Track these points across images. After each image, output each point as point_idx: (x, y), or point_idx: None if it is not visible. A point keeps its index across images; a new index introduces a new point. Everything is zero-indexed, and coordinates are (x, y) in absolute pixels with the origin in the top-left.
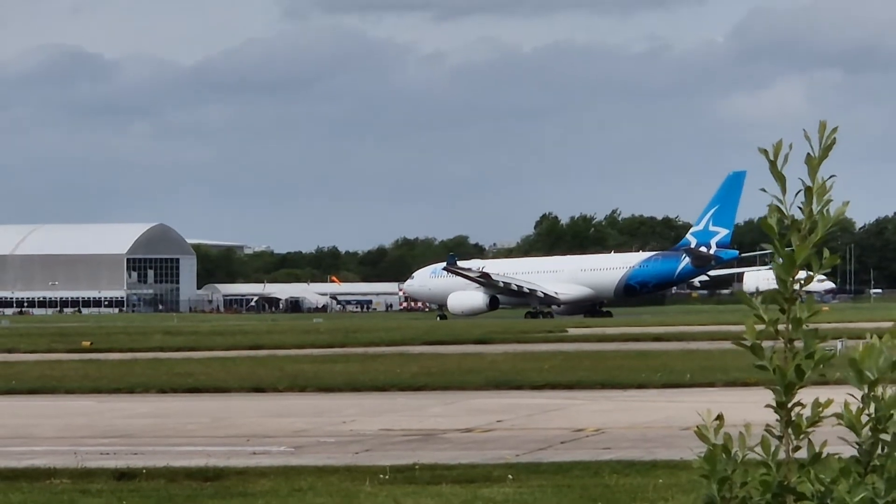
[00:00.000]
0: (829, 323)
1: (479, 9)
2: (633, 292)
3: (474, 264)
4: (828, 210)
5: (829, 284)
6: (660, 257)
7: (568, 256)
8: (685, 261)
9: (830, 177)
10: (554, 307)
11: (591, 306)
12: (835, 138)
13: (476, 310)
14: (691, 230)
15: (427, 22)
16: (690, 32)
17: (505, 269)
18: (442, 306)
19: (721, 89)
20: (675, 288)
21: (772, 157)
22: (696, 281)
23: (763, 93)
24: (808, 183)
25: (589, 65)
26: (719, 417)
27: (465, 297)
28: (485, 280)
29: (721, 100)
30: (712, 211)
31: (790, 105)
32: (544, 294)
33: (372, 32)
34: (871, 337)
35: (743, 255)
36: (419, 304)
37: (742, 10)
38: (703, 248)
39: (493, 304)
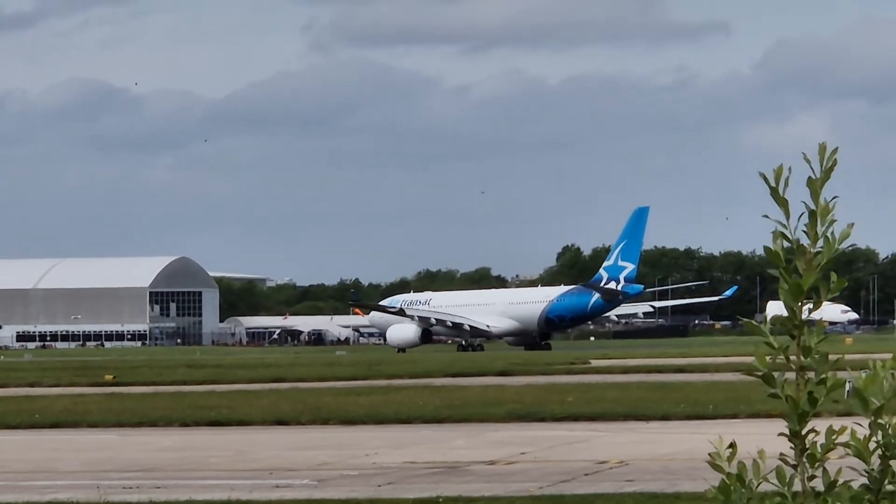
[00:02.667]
0: (852, 354)
1: (505, 42)
2: (554, 325)
3: (421, 297)
4: (832, 233)
5: (852, 315)
6: (575, 292)
7: (499, 290)
8: (595, 296)
9: (833, 198)
10: (506, 339)
11: (532, 339)
12: (836, 160)
13: (409, 342)
14: (604, 265)
15: (453, 55)
16: (715, 64)
17: (446, 302)
18: None
19: (745, 120)
20: (699, 322)
21: (773, 183)
22: (624, 314)
23: (788, 124)
24: (812, 207)
25: (613, 97)
26: (732, 446)
27: (401, 329)
28: (401, 315)
29: (745, 130)
30: (621, 246)
31: (815, 136)
32: (471, 327)
33: (398, 66)
34: (874, 365)
35: (649, 289)
36: (441, 336)
37: (767, 42)
38: (612, 284)
39: (426, 336)
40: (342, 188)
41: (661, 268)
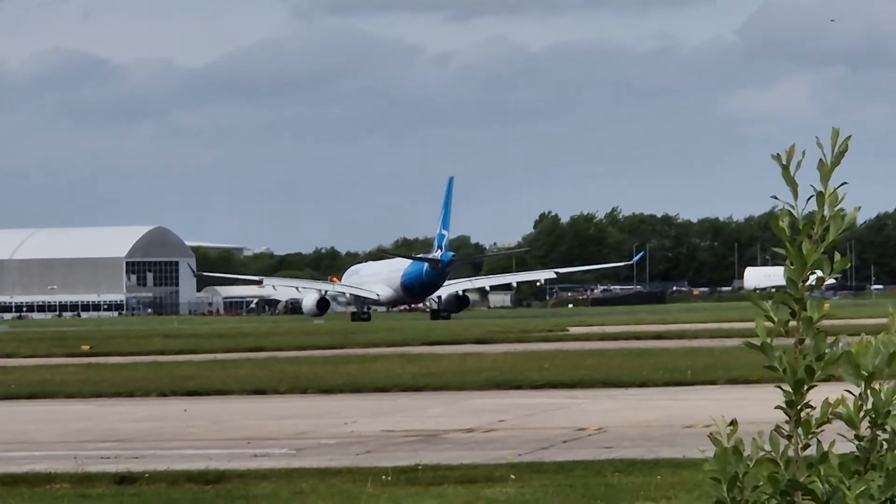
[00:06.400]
0: (831, 319)
1: (488, 10)
2: (410, 292)
3: (355, 268)
4: (841, 214)
5: (830, 281)
6: (416, 262)
7: (390, 260)
8: (426, 265)
9: (842, 184)
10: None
11: (437, 306)
12: (847, 144)
13: (312, 311)
14: (438, 233)
15: (436, 23)
16: (698, 31)
17: (366, 272)
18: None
19: (726, 87)
20: (677, 288)
21: (784, 162)
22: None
23: (768, 90)
24: (820, 188)
25: (596, 64)
26: (733, 423)
27: (308, 299)
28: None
29: (725, 97)
30: (442, 215)
31: (797, 102)
32: (353, 296)
33: (380, 33)
34: (864, 335)
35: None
36: (420, 303)
37: (751, 9)
38: (438, 252)
39: (321, 305)
40: (320, 156)
41: (638, 234)
